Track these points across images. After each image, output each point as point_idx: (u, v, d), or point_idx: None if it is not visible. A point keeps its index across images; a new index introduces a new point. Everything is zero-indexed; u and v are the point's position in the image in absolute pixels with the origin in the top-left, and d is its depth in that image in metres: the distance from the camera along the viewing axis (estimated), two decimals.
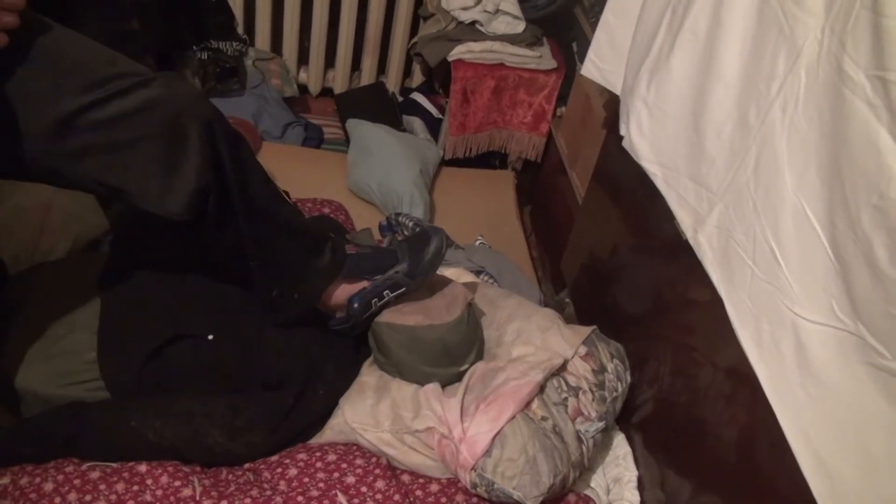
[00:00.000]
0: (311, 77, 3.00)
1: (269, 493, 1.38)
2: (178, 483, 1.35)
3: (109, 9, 1.75)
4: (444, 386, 1.53)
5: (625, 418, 1.70)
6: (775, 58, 1.12)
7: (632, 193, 1.79)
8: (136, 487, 1.33)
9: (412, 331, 1.52)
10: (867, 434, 0.95)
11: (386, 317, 1.56)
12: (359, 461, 1.45)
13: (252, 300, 1.59)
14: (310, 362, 1.55)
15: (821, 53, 1.02)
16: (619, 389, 1.62)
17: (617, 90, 1.69)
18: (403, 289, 1.56)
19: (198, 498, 1.33)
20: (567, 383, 1.57)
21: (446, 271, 1.91)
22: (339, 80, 3.02)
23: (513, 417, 1.43)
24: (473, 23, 2.54)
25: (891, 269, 0.88)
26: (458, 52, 2.50)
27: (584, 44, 2.14)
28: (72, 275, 1.61)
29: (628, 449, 1.69)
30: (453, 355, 1.54)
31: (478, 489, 1.42)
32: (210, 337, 1.52)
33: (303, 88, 3.03)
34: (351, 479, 1.41)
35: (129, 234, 1.78)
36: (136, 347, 1.47)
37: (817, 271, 1.03)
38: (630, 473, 1.64)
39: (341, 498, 1.38)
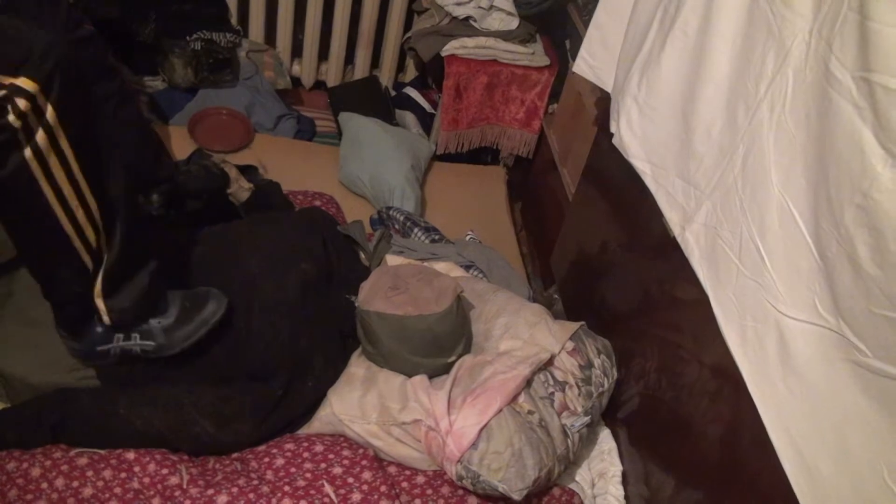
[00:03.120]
0: (305, 70, 2.99)
1: (256, 482, 1.38)
2: (165, 471, 1.35)
3: (51, 20, 1.68)
4: (431, 377, 1.54)
5: (611, 414, 1.71)
6: (764, 58, 1.13)
7: (621, 191, 1.80)
8: (123, 474, 1.33)
9: (401, 320, 1.53)
10: (846, 429, 0.96)
11: (376, 306, 1.57)
12: (346, 452, 1.46)
13: (239, 291, 1.59)
14: (298, 354, 1.56)
15: (808, 54, 1.04)
16: (606, 385, 1.63)
17: (608, 88, 1.70)
18: (152, 343, 1.43)
19: (185, 486, 1.34)
20: (554, 378, 1.58)
21: (436, 265, 1.92)
22: (332, 74, 3.01)
23: (499, 411, 1.44)
24: (467, 18, 2.54)
25: (872, 268, 0.89)
26: (452, 47, 2.51)
27: (577, 41, 2.14)
28: None
29: (613, 444, 1.70)
30: (441, 346, 1.55)
31: (464, 481, 1.43)
32: None
33: (296, 81, 3.02)
34: (338, 470, 1.42)
35: None
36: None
37: (801, 269, 1.04)
38: (615, 468, 1.65)
39: (328, 488, 1.39)
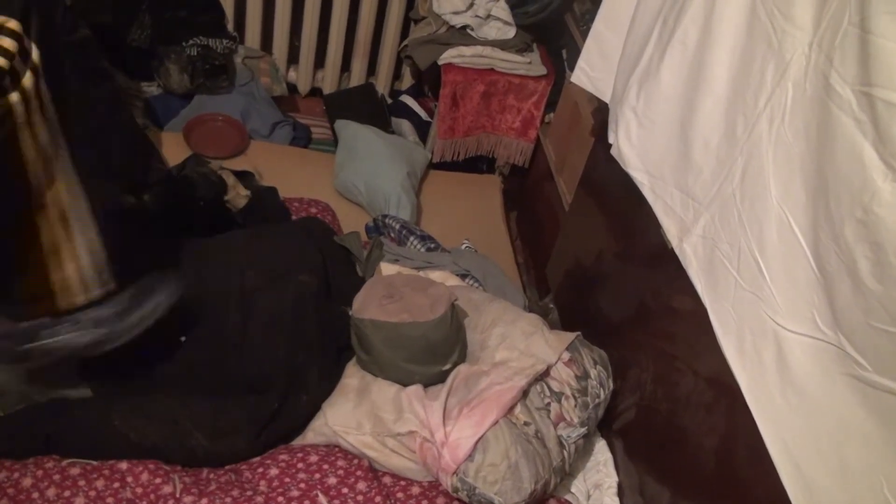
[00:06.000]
0: (301, 77, 2.99)
1: (249, 492, 1.37)
2: (158, 480, 1.34)
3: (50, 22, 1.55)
4: (426, 386, 1.53)
5: (607, 425, 1.71)
6: (763, 71, 1.13)
7: (618, 201, 1.80)
8: (116, 484, 1.32)
9: (396, 327, 1.53)
10: (844, 443, 0.96)
11: (370, 314, 1.56)
12: (340, 462, 1.45)
13: (237, 305, 1.58)
14: (294, 368, 1.55)
15: (808, 68, 1.04)
16: (602, 396, 1.62)
17: (606, 98, 1.70)
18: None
19: (178, 495, 1.33)
20: (550, 389, 1.57)
21: (432, 274, 1.92)
22: (328, 81, 3.01)
23: (496, 423, 1.43)
24: (464, 27, 2.54)
25: (872, 282, 0.89)
26: (449, 55, 2.51)
27: (574, 51, 2.15)
28: None
29: (609, 455, 1.70)
30: (436, 353, 1.54)
31: (459, 493, 1.42)
32: (182, 339, 1.51)
33: (292, 88, 3.02)
34: (332, 480, 1.41)
35: None
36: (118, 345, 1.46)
37: (800, 283, 1.04)
38: (610, 479, 1.65)
39: (322, 498, 1.38)
